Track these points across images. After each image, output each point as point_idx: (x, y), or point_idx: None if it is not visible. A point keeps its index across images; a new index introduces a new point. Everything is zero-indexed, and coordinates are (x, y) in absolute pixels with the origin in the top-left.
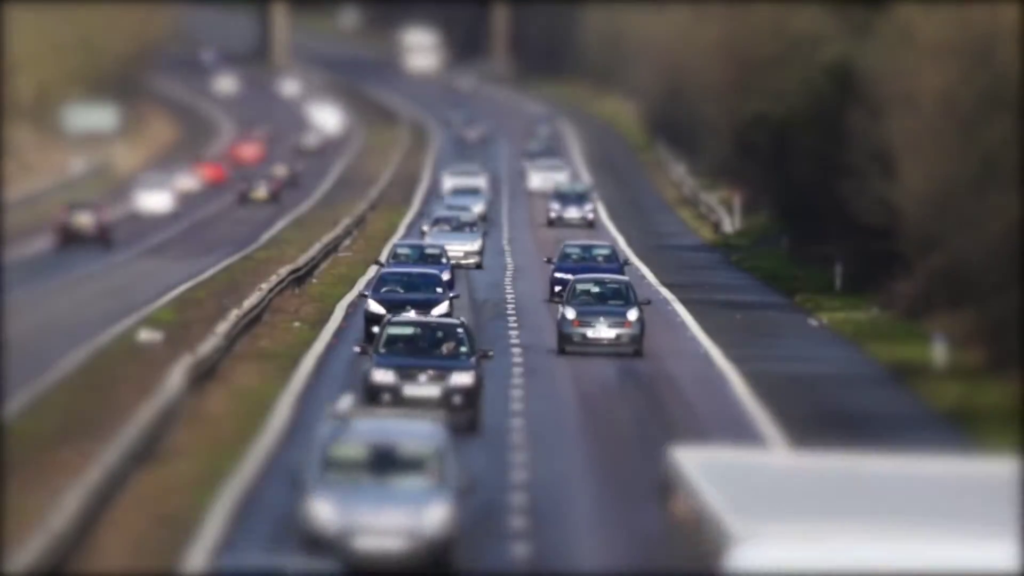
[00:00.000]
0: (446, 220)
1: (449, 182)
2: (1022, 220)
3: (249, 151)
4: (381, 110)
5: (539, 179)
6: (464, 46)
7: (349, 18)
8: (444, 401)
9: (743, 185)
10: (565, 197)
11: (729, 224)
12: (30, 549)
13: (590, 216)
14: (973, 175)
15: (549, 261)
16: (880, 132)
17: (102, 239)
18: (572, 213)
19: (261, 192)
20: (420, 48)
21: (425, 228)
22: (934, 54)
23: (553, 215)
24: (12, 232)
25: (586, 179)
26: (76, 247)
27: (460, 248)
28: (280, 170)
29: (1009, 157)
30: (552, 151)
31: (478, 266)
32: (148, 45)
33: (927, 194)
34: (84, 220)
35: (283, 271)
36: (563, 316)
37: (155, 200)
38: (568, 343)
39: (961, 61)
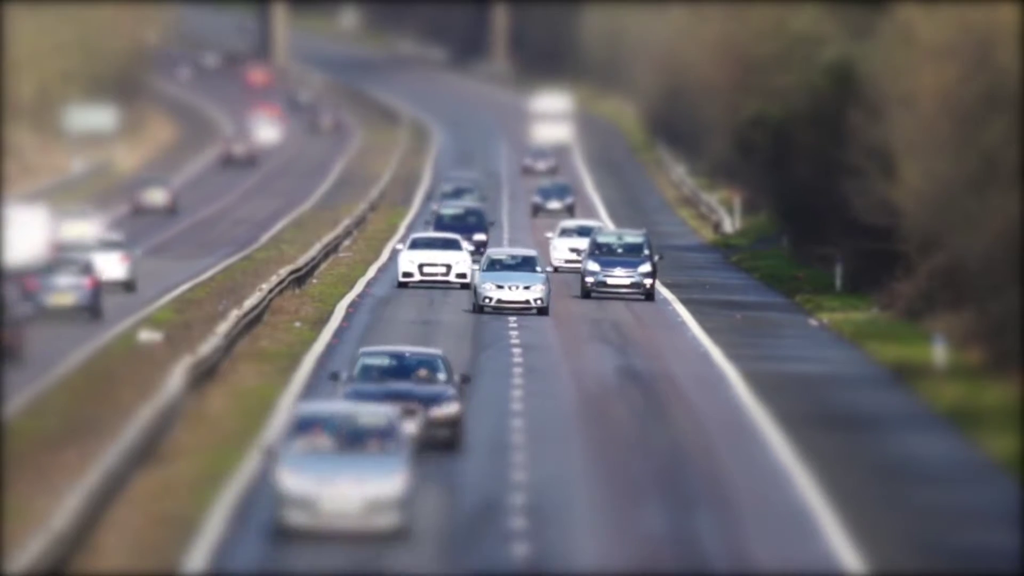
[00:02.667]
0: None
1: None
2: (1022, 220)
3: (257, 76)
4: (381, 110)
5: (564, 248)
6: (464, 47)
7: (349, 19)
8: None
9: (743, 185)
10: (608, 252)
11: (729, 224)
12: (30, 549)
13: (648, 282)
14: (973, 175)
15: None
16: (880, 132)
17: (251, 161)
18: (620, 277)
19: (328, 122)
20: (551, 116)
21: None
22: (934, 54)
23: (591, 280)
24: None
25: (604, 219)
26: (233, 167)
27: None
28: (325, 109)
29: (1009, 157)
30: (568, 195)
31: None
32: (148, 45)
33: (927, 194)
34: (239, 148)
35: (283, 271)
36: None
37: (269, 133)
38: None
39: (961, 61)
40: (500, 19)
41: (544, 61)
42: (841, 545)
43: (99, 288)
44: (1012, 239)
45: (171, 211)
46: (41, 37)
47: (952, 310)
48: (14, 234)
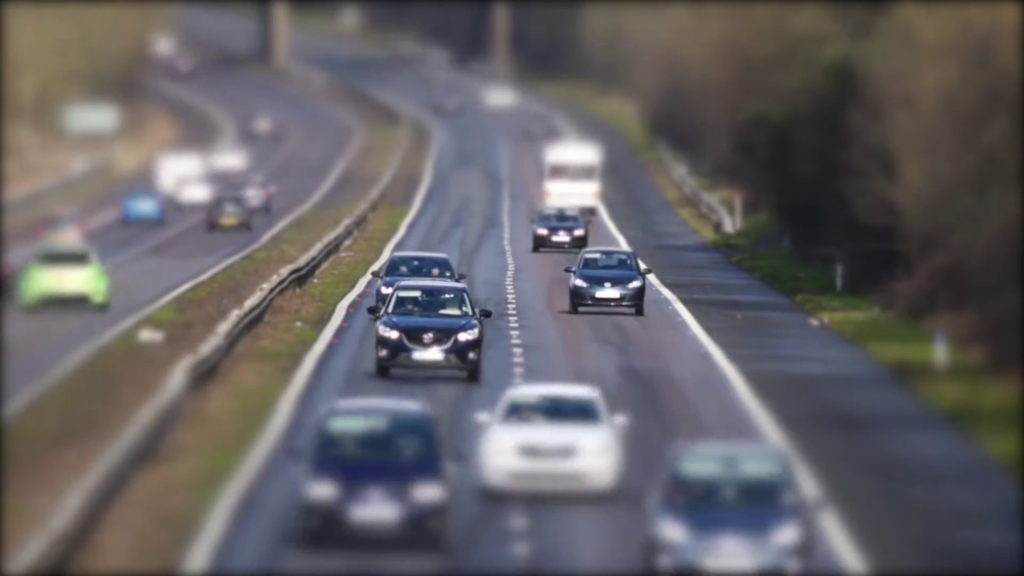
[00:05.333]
0: None
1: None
2: (1022, 220)
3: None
4: (382, 110)
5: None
6: (464, 47)
7: (349, 18)
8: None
9: (744, 185)
10: (707, 497)
11: (730, 224)
12: (30, 549)
13: (793, 567)
14: (973, 175)
15: None
16: (880, 132)
17: (275, 139)
18: (733, 556)
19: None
20: (574, 171)
21: None
22: (934, 54)
23: (670, 564)
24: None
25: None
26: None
27: None
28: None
29: (1009, 157)
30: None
31: None
32: (148, 45)
33: (928, 194)
34: (263, 125)
35: (284, 271)
36: None
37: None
38: None
39: (961, 61)
40: (501, 19)
41: (544, 61)
42: (841, 545)
43: (271, 198)
44: (1012, 239)
45: (276, 139)
46: (41, 37)
47: (953, 310)
48: (177, 174)
